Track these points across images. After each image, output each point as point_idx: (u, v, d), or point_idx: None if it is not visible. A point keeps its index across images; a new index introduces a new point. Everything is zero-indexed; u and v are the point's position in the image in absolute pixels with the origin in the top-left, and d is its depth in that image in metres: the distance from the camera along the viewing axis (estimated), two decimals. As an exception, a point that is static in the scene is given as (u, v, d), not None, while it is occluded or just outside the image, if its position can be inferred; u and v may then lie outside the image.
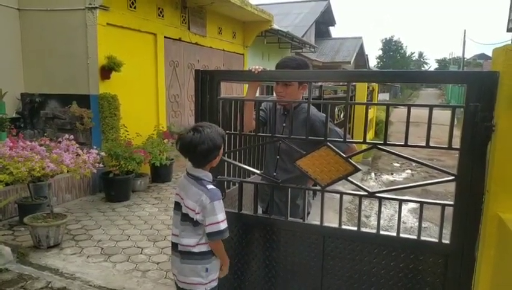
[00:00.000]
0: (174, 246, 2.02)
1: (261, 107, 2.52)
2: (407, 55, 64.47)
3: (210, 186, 1.92)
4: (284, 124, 2.48)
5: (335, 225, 2.18)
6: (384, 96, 33.00)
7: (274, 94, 2.54)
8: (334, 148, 2.06)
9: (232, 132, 3.06)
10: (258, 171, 2.61)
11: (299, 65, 2.38)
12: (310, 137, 2.14)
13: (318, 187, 2.18)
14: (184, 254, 1.95)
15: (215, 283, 2.01)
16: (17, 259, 3.46)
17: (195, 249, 1.93)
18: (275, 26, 10.54)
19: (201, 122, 2.02)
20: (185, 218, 1.94)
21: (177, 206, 2.01)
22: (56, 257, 3.60)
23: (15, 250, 3.54)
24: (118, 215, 4.81)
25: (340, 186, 2.23)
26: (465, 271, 1.94)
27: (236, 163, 2.98)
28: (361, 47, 23.89)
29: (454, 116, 1.90)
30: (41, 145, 3.98)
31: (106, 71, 5.64)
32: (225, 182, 2.62)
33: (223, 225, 1.90)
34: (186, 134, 1.90)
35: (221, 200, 1.92)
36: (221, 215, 1.90)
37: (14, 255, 3.47)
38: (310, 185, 2.41)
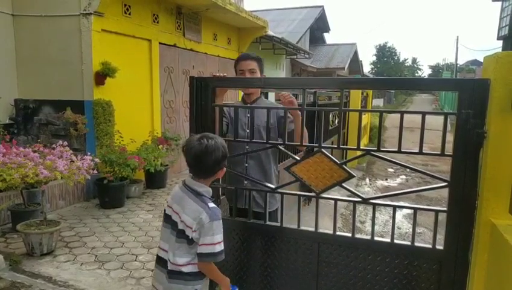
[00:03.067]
0: (161, 261, 1.90)
1: (223, 114, 2.61)
2: (400, 61, 64.84)
3: (211, 204, 1.83)
4: (248, 115, 2.56)
5: (329, 231, 2.18)
6: (378, 102, 33.18)
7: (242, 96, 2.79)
8: (329, 155, 2.07)
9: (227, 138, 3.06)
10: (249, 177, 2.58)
11: (258, 57, 2.72)
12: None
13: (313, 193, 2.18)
14: (172, 273, 1.83)
15: None
16: (10, 267, 3.43)
17: (185, 269, 1.82)
18: (270, 32, 10.60)
19: (205, 133, 1.91)
20: (181, 235, 1.82)
21: (169, 219, 1.89)
22: (49, 264, 3.57)
23: (7, 258, 3.51)
24: (112, 222, 4.79)
25: (335, 192, 2.24)
26: (459, 277, 1.94)
27: (231, 170, 2.97)
28: (356, 53, 24.01)
29: (446, 123, 1.92)
30: (34, 151, 3.94)
31: (101, 77, 5.63)
32: (219, 189, 2.62)
33: (219, 247, 1.79)
34: (197, 142, 1.80)
35: (221, 221, 1.83)
36: (219, 237, 1.80)
37: (7, 262, 3.44)
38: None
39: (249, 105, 2.65)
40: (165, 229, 1.92)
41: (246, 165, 2.61)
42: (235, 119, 2.43)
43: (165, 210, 1.96)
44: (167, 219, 1.92)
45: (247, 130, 2.58)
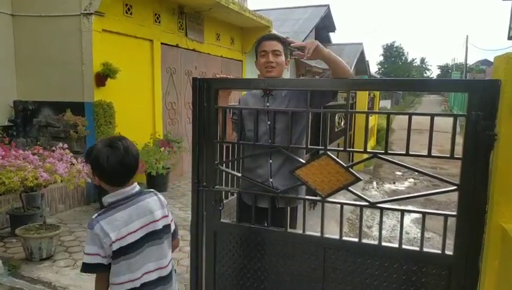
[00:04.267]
0: (161, 280, 1.77)
1: (232, 111, 2.53)
2: (408, 61, 64.35)
3: (150, 189, 1.91)
4: (268, 104, 2.45)
5: (336, 236, 2.13)
6: (385, 103, 32.87)
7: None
8: (335, 157, 2.01)
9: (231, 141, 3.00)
10: (258, 181, 2.49)
11: (284, 38, 2.54)
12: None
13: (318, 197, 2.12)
14: (171, 274, 1.85)
15: None
16: (9, 272, 3.40)
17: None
18: (274, 32, 10.54)
19: (109, 138, 1.80)
20: (165, 233, 1.80)
21: (138, 243, 1.69)
22: (49, 269, 3.52)
23: (6, 262, 3.47)
24: (113, 225, 4.73)
25: (341, 195, 2.18)
26: (469, 283, 1.88)
27: (235, 173, 2.93)
28: (362, 53, 23.86)
29: (456, 125, 1.86)
30: (34, 154, 3.92)
31: (101, 78, 5.59)
32: (223, 192, 2.57)
33: None
34: (110, 149, 1.67)
35: None
36: None
37: (6, 267, 3.40)
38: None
39: (252, 107, 2.45)
40: (141, 255, 1.71)
41: (270, 161, 2.40)
42: (241, 117, 2.33)
43: (127, 246, 1.66)
44: (136, 244, 1.69)
45: (269, 122, 2.35)
